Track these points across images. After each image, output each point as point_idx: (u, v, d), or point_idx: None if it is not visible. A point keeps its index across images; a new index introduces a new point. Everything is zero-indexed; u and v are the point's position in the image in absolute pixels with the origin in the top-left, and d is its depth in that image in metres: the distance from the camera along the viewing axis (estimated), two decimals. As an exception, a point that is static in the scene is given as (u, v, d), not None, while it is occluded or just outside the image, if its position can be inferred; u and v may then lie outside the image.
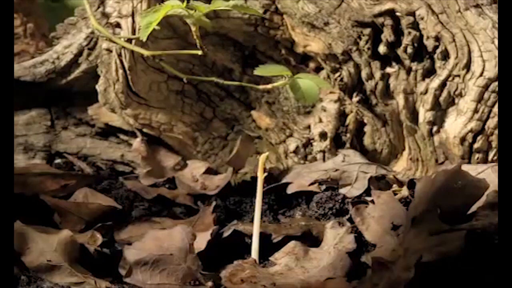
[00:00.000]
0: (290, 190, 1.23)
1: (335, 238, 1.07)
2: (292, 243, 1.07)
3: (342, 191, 1.19)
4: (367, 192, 1.19)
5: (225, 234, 1.13)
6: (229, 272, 1.00)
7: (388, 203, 1.13)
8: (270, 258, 1.06)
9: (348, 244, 1.06)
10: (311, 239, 1.11)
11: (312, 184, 1.21)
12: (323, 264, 1.02)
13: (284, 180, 1.26)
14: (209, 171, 1.34)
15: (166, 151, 1.38)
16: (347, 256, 1.03)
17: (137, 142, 1.37)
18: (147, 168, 1.34)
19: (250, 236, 1.09)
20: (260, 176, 1.07)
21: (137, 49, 1.25)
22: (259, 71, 1.10)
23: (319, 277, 1.00)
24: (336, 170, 1.23)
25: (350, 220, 1.12)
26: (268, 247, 1.09)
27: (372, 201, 1.14)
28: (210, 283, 1.00)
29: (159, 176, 1.33)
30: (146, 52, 1.23)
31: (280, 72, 1.11)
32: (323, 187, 1.21)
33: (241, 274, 0.98)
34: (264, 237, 1.09)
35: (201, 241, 1.09)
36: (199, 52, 1.17)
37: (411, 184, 1.18)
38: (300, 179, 1.24)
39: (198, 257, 1.03)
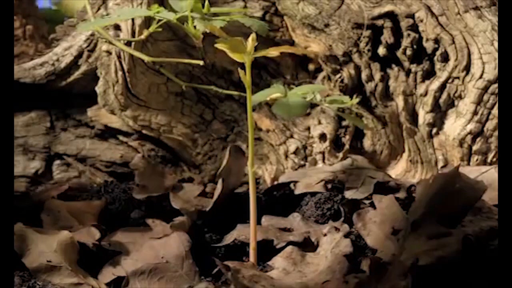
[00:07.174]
0: (297, 190, 1.21)
1: (332, 243, 1.07)
2: (289, 248, 1.07)
3: (348, 193, 1.18)
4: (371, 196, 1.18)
5: (227, 242, 1.13)
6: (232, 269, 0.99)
7: (390, 207, 1.12)
8: (267, 263, 1.05)
9: (345, 248, 1.05)
10: (309, 244, 1.11)
11: (318, 183, 1.21)
12: (320, 268, 1.02)
13: (289, 180, 1.25)
14: (203, 194, 1.30)
15: (164, 171, 1.37)
16: (345, 260, 1.02)
17: (137, 157, 1.37)
18: (141, 183, 1.30)
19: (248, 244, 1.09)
20: (251, 169, 1.03)
21: (138, 54, 1.25)
22: (256, 97, 1.09)
23: (318, 280, 1.00)
24: (344, 172, 1.22)
25: (346, 222, 1.12)
26: (270, 253, 1.08)
27: (372, 204, 1.14)
28: (209, 286, 1.00)
29: (152, 192, 1.27)
30: (146, 58, 1.23)
31: (276, 93, 1.10)
32: (329, 186, 1.20)
33: (244, 272, 0.98)
34: (265, 243, 1.09)
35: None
36: (201, 63, 1.17)
37: (410, 188, 1.18)
38: (307, 179, 1.23)
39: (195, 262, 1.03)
